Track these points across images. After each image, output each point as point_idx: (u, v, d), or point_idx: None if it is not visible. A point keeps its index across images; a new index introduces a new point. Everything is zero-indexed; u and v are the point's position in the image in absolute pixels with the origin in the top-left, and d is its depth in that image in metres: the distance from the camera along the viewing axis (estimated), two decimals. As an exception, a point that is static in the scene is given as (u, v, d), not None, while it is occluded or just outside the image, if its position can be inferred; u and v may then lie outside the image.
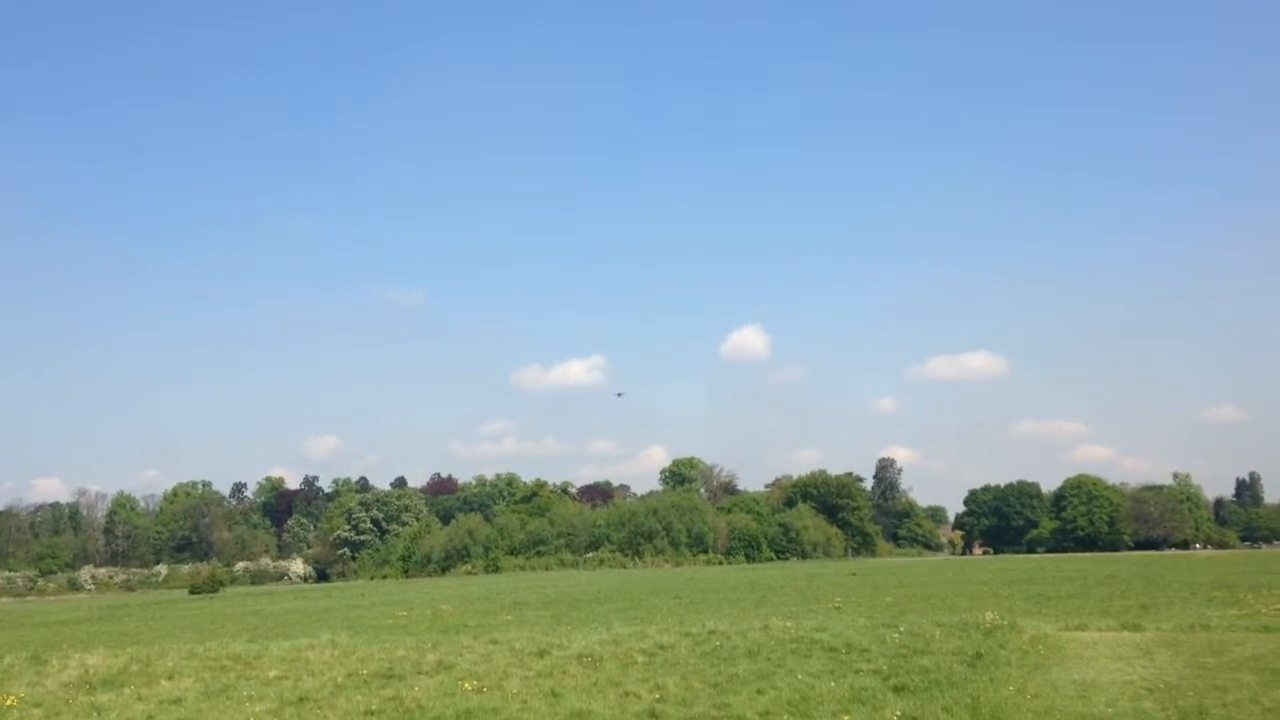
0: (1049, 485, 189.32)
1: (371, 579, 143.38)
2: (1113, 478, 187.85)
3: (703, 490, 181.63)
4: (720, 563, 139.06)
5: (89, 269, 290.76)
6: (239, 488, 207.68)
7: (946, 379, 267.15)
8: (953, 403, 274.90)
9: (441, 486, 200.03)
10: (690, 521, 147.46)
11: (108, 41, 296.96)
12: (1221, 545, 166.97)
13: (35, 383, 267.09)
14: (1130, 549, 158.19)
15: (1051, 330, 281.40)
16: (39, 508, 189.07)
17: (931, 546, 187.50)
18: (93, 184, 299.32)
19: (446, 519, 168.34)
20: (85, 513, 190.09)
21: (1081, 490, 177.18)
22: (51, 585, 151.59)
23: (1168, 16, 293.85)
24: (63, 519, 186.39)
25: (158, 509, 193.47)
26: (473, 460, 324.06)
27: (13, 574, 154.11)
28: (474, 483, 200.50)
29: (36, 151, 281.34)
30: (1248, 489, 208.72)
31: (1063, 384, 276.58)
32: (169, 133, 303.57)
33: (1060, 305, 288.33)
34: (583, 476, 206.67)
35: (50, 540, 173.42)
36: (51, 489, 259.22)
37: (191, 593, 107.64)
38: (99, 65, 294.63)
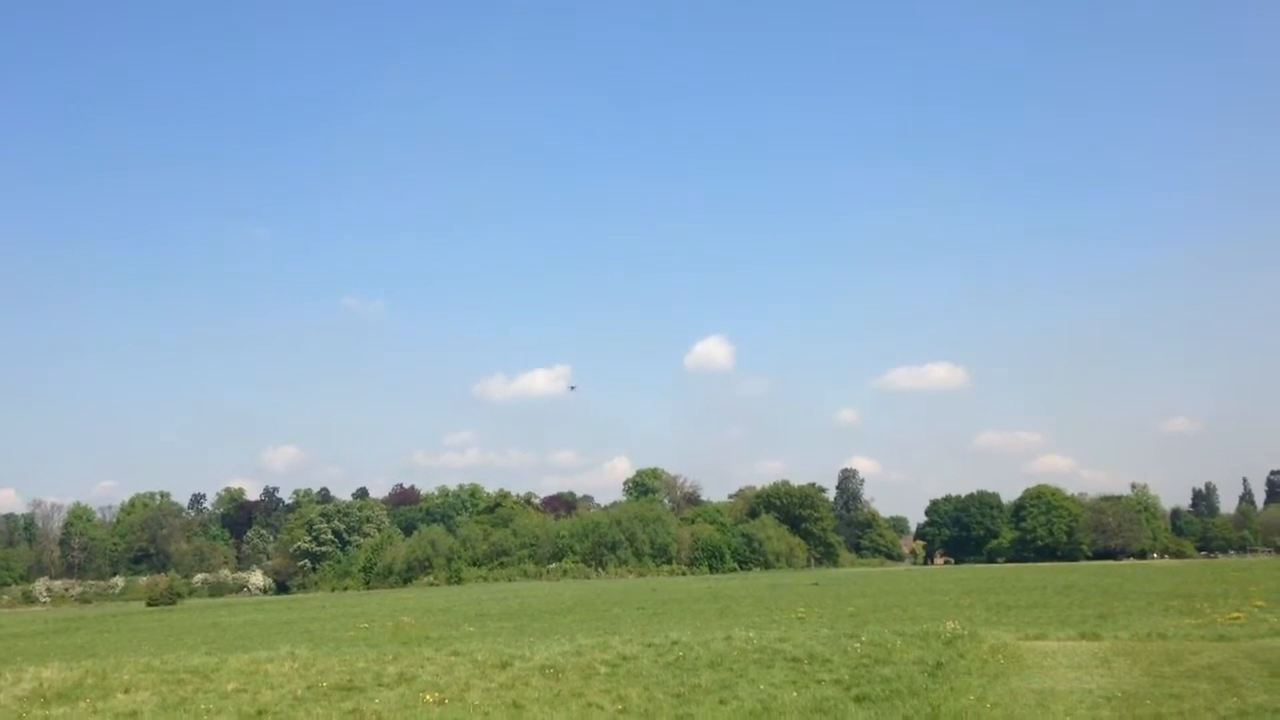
0: (1009, 495, 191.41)
1: (332, 590, 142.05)
2: (1072, 488, 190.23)
3: (666, 501, 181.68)
4: (684, 573, 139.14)
5: (47, 280, 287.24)
6: (198, 499, 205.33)
7: (908, 390, 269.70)
8: (914, 413, 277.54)
9: (404, 497, 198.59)
10: (654, 532, 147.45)
11: (62, 58, 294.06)
12: (1178, 555, 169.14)
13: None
14: (1089, 559, 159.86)
15: (1012, 341, 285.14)
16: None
17: (893, 557, 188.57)
18: (49, 197, 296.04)
19: (409, 530, 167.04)
20: (41, 524, 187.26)
21: (1041, 500, 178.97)
22: (5, 598, 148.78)
23: (1124, 22, 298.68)
24: (17, 530, 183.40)
25: (115, 520, 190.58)
26: (436, 471, 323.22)
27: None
28: (437, 494, 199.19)
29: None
30: (1204, 499, 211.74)
31: (1023, 395, 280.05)
32: (125, 145, 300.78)
33: (1020, 317, 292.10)
34: (546, 487, 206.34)
35: (4, 552, 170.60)
36: (6, 500, 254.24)
37: (149, 605, 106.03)
38: (57, 81, 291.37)
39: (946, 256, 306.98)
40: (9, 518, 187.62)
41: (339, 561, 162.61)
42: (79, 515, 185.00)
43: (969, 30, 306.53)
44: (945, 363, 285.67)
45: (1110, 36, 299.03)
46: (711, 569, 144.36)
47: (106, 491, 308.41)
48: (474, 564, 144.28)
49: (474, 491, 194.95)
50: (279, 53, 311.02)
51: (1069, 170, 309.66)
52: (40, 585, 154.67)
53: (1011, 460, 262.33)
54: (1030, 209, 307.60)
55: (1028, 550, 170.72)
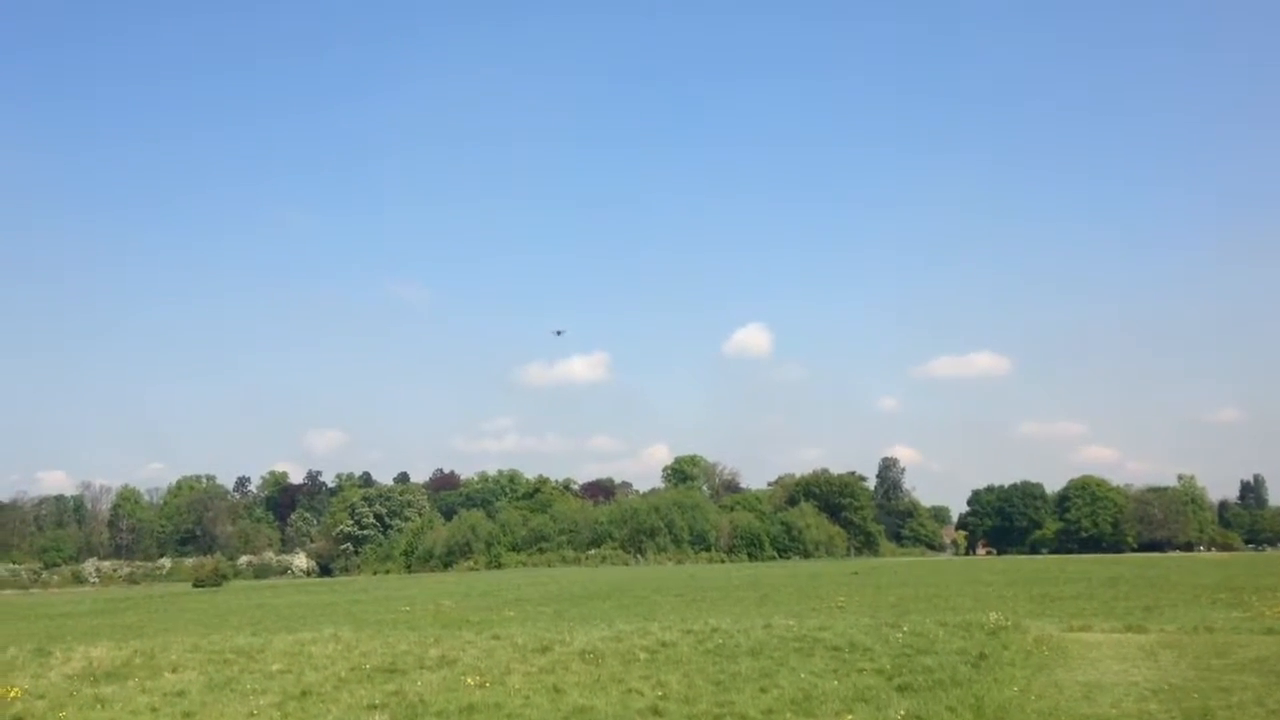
0: (1053, 486, 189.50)
1: (374, 574, 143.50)
2: (1117, 479, 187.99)
3: (705, 488, 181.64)
4: (722, 561, 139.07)
5: (95, 263, 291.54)
6: (243, 482, 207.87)
7: (950, 378, 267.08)
8: (956, 402, 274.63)
9: (444, 482, 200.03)
10: (692, 519, 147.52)
11: (106, 29, 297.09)
12: (1225, 547, 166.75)
13: (40, 375, 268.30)
14: (1134, 550, 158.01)
15: (1056, 331, 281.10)
16: (43, 500, 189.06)
17: (934, 546, 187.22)
18: (95, 175, 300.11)
19: (449, 515, 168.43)
20: (90, 506, 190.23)
21: (1085, 491, 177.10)
22: (55, 578, 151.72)
23: (1171, 16, 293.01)
24: (67, 512, 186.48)
25: (162, 502, 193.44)
26: (475, 456, 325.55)
27: (17, 566, 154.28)
28: (476, 479, 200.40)
29: (36, 140, 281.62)
30: (1252, 491, 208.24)
31: (1066, 385, 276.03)
32: (171, 123, 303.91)
33: (1064, 306, 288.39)
34: (585, 473, 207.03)
35: (54, 533, 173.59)
36: (56, 482, 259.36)
37: (195, 586, 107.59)
38: (99, 53, 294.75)
39: (990, 246, 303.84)
40: (59, 499, 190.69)
41: (380, 545, 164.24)
42: (127, 497, 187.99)
43: (1023, 20, 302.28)
44: (988, 351, 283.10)
45: (1167, 27, 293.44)
46: (750, 557, 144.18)
47: (154, 474, 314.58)
48: (513, 549, 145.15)
49: (513, 477, 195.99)
50: (328, 28, 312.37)
51: (1114, 160, 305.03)
52: (89, 566, 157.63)
53: (1055, 450, 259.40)
54: (1076, 200, 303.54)
55: (1071, 541, 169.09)
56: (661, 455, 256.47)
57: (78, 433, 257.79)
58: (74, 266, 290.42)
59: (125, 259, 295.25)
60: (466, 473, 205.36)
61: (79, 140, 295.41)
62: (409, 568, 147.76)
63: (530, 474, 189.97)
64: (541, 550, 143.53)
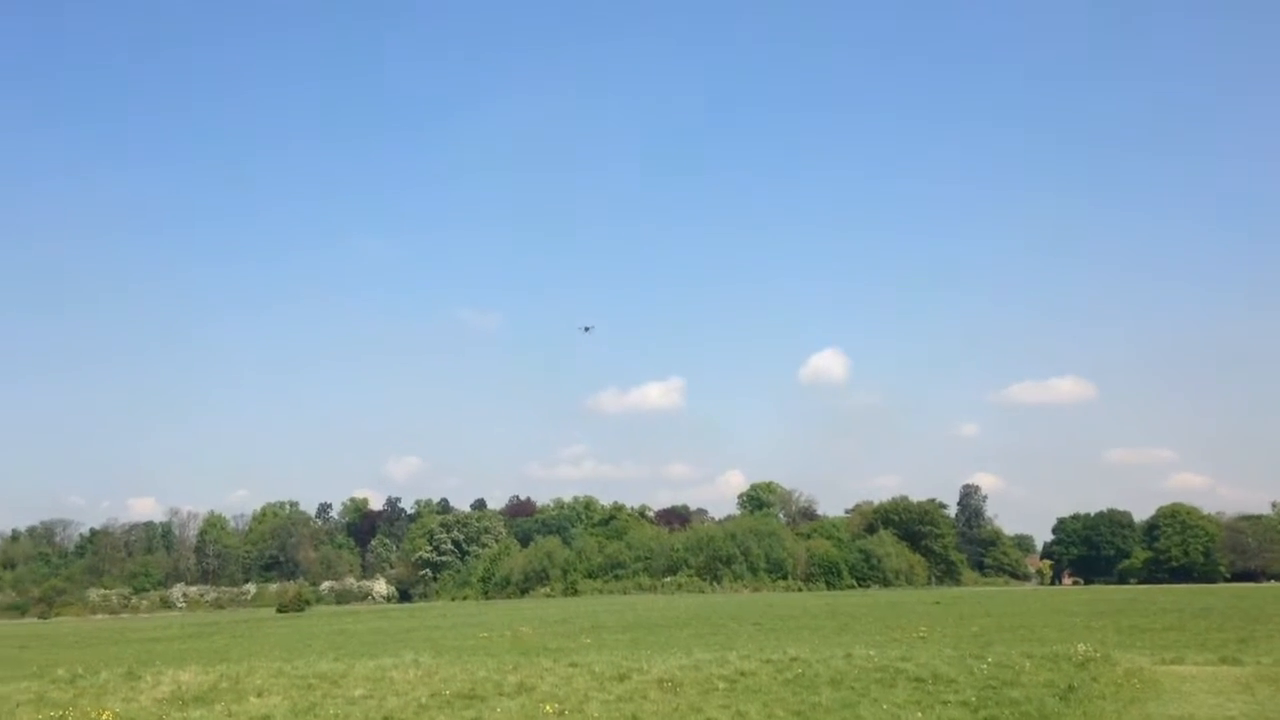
0: (1141, 514, 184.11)
1: (452, 600, 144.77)
2: (1208, 507, 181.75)
3: (781, 515, 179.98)
4: (799, 589, 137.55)
5: (183, 301, 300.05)
6: (324, 508, 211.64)
7: (1032, 404, 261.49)
8: (1039, 428, 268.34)
9: (520, 509, 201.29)
10: (769, 547, 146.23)
11: (197, 46, 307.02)
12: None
13: (131, 406, 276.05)
14: (1227, 580, 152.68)
15: (1143, 354, 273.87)
16: (133, 527, 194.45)
17: (1018, 576, 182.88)
18: (175, 211, 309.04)
19: (525, 541, 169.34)
20: (178, 532, 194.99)
21: (1175, 520, 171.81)
22: (145, 602, 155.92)
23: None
24: (156, 538, 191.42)
25: (247, 529, 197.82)
26: (550, 482, 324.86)
27: (108, 591, 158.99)
28: (552, 505, 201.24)
29: (131, 161, 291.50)
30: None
31: (1155, 410, 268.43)
32: (239, 162, 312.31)
33: (1152, 328, 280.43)
34: (660, 500, 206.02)
35: (144, 559, 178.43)
36: (146, 508, 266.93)
37: (279, 611, 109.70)
38: (182, 73, 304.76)
39: (1070, 267, 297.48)
40: (149, 526, 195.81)
41: (458, 571, 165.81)
42: (213, 524, 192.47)
43: (1081, 52, 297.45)
44: (1071, 376, 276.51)
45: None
46: (828, 585, 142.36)
47: (239, 501, 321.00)
48: (589, 576, 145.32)
49: (588, 504, 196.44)
50: (407, 58, 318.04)
51: (1205, 183, 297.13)
52: (177, 591, 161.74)
53: (1143, 478, 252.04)
54: (1162, 224, 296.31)
55: (1161, 571, 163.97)
56: (737, 482, 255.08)
57: (167, 461, 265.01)
58: (161, 302, 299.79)
59: (207, 293, 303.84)
60: (542, 499, 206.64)
61: (165, 168, 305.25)
62: (486, 594, 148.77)
63: (605, 501, 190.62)
64: (617, 577, 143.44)
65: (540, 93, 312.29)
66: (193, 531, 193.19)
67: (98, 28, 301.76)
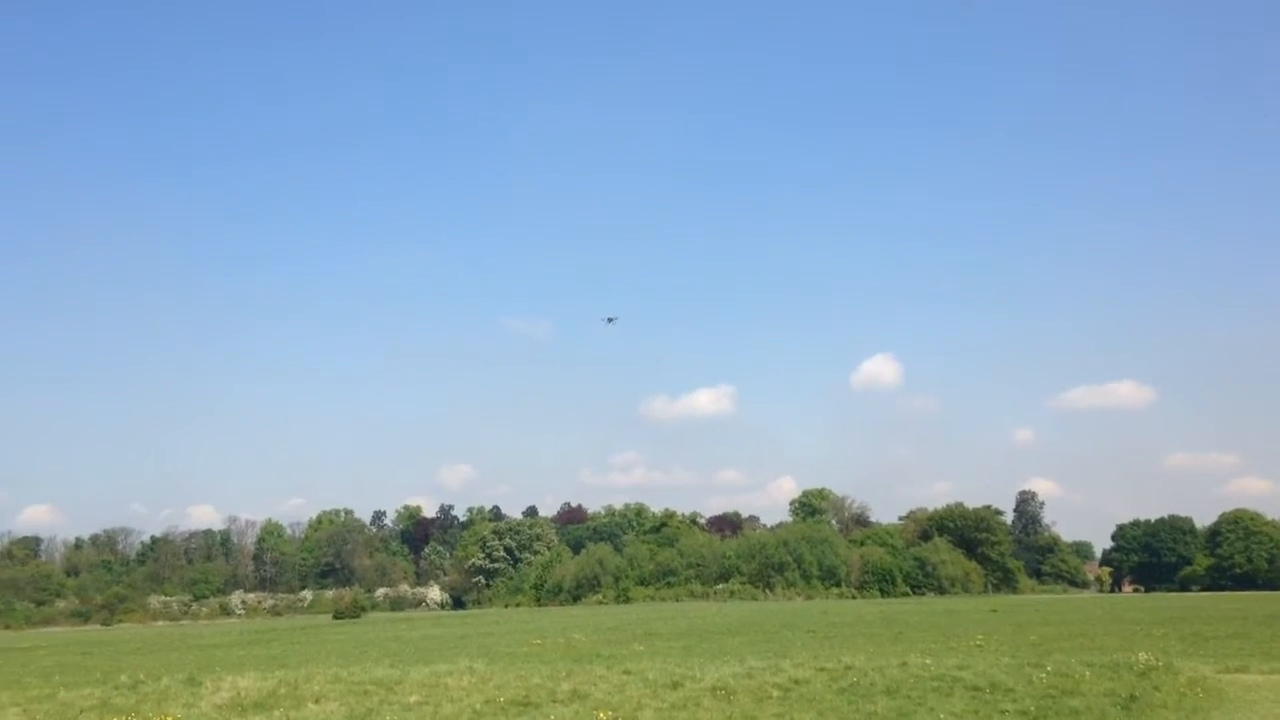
0: (1203, 520, 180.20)
1: (505, 606, 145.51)
2: (1273, 512, 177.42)
3: (834, 522, 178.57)
4: (853, 596, 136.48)
5: (238, 309, 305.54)
6: (379, 515, 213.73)
7: (1089, 409, 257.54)
8: (1097, 434, 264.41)
9: (571, 516, 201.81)
10: (821, 554, 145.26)
11: (240, 57, 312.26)
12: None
13: (192, 416, 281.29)
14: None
15: (1204, 357, 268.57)
16: (193, 534, 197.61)
17: (1077, 583, 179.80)
18: (233, 219, 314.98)
19: (577, 548, 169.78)
20: (236, 540, 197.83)
21: (1239, 526, 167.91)
22: (204, 609, 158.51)
23: None
24: (215, 545, 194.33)
25: (303, 536, 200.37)
26: (602, 490, 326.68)
27: (169, 598, 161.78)
28: (603, 512, 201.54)
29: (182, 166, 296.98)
30: None
31: (1217, 414, 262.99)
32: (288, 170, 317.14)
33: (1212, 331, 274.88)
34: (711, 507, 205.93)
35: (203, 566, 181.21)
36: (205, 516, 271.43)
37: (335, 618, 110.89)
38: (234, 81, 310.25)
39: (1128, 271, 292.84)
40: (208, 533, 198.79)
41: (511, 578, 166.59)
42: (270, 531, 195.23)
43: (1127, 60, 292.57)
44: (1130, 380, 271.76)
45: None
46: (882, 592, 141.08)
47: (295, 508, 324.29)
48: (641, 583, 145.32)
49: (640, 511, 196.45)
50: (452, 70, 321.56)
51: (1260, 172, 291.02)
52: (235, 598, 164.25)
53: (1204, 483, 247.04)
54: (1216, 215, 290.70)
55: (1224, 578, 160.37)
56: (788, 488, 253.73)
57: (225, 469, 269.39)
58: (220, 314, 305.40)
59: (271, 306, 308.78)
60: (593, 506, 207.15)
61: (215, 170, 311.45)
62: (539, 601, 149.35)
63: (656, 508, 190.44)
64: (669, 584, 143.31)
65: (592, 100, 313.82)
66: (251, 539, 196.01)
67: (135, 29, 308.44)
